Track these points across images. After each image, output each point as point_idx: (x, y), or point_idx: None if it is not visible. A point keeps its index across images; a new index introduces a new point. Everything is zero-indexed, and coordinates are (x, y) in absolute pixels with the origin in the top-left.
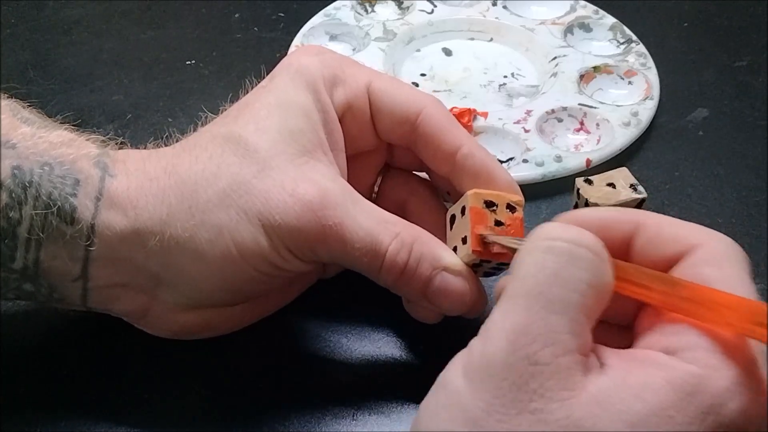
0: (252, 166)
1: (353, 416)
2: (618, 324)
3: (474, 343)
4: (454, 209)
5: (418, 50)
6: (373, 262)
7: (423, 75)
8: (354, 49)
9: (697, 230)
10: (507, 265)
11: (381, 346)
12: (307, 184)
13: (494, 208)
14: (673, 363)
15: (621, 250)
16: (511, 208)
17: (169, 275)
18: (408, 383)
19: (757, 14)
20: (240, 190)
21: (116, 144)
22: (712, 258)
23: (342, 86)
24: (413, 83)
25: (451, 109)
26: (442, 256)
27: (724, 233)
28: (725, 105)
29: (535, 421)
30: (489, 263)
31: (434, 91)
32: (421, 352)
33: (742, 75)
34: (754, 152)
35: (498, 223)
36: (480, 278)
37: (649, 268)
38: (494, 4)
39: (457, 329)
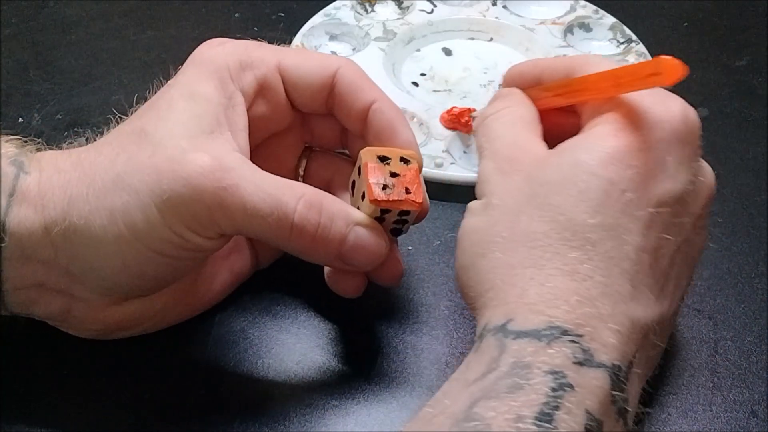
0: (147, 149)
1: (353, 414)
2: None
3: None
4: (353, 175)
5: (418, 50)
6: (282, 225)
7: (423, 75)
8: (354, 49)
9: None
10: (408, 213)
11: (382, 342)
12: (197, 152)
13: (388, 161)
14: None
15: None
16: (404, 161)
17: (76, 268)
18: (409, 381)
19: (757, 14)
20: (133, 171)
21: (35, 148)
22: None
23: (250, 69)
24: (413, 83)
25: (451, 109)
26: (352, 212)
27: (724, 233)
28: (725, 105)
29: (529, 185)
30: (390, 214)
31: (434, 91)
32: (422, 350)
33: (742, 75)
34: (754, 152)
35: (393, 174)
36: (395, 245)
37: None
38: (494, 4)
39: (458, 327)
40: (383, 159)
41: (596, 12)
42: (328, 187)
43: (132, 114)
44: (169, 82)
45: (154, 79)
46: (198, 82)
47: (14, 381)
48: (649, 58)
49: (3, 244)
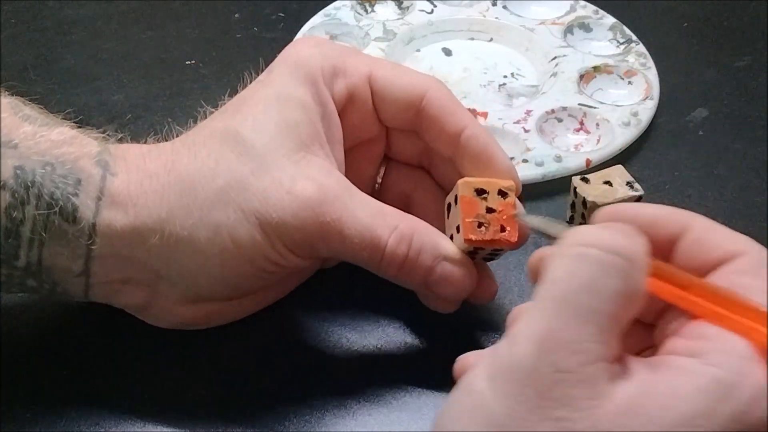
0: (249, 163)
1: (353, 414)
2: (640, 321)
3: (500, 346)
4: (450, 197)
5: (418, 50)
6: (374, 256)
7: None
8: None
9: (741, 239)
10: (503, 250)
11: (381, 342)
12: (304, 181)
13: (485, 195)
14: (701, 368)
15: (664, 249)
16: (502, 194)
17: (169, 272)
18: (409, 380)
19: (757, 14)
20: (237, 188)
21: (116, 139)
22: (752, 268)
23: (342, 77)
24: None
25: None
26: (442, 246)
27: None
28: (725, 105)
29: (559, 430)
30: (484, 250)
31: None
32: (422, 349)
33: (742, 75)
34: (754, 152)
35: (489, 210)
36: (486, 264)
37: (685, 271)
38: (494, 4)
39: (459, 325)
40: (480, 192)
41: (596, 12)
42: (406, 201)
43: (220, 107)
44: (259, 77)
45: (155, 79)
46: (292, 85)
47: (13, 376)
48: (649, 58)
49: (94, 246)
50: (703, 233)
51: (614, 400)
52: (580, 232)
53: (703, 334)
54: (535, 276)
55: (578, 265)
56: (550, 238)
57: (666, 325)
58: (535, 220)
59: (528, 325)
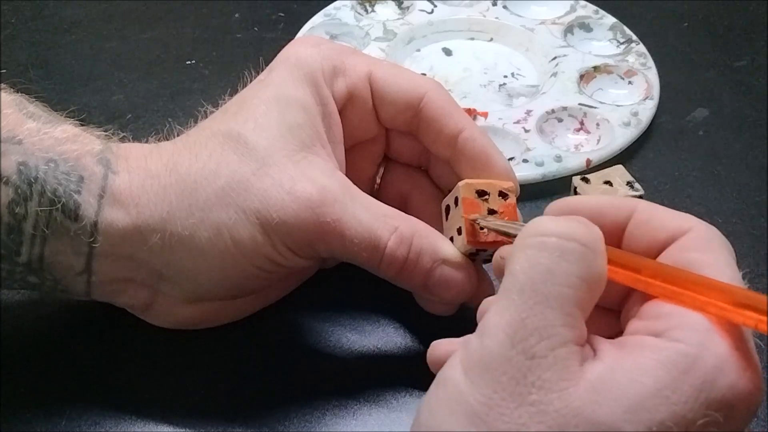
0: (250, 164)
1: (353, 414)
2: (606, 308)
3: (471, 339)
4: (448, 199)
5: (418, 50)
6: (373, 257)
7: (423, 75)
8: None
9: (685, 217)
10: None
11: (381, 342)
12: (305, 182)
13: (486, 197)
14: (663, 344)
15: (614, 236)
16: (503, 195)
17: (170, 271)
18: (409, 380)
19: (757, 14)
20: (238, 189)
21: (119, 138)
22: (698, 243)
23: (342, 76)
24: None
25: None
26: (441, 249)
27: (724, 233)
28: (725, 105)
29: (535, 413)
30: (485, 251)
31: None
32: (422, 349)
33: (742, 75)
34: (754, 152)
35: (491, 212)
36: (483, 267)
37: (637, 254)
38: (494, 4)
39: (458, 324)
40: (481, 194)
41: (596, 12)
42: (404, 202)
43: (220, 107)
44: (259, 77)
45: (155, 79)
46: (292, 86)
47: (13, 376)
48: (649, 58)
49: (95, 244)
50: (648, 215)
51: (585, 379)
52: (538, 222)
53: (661, 313)
54: (499, 273)
55: (539, 254)
56: (511, 238)
57: (629, 310)
58: (495, 224)
59: (497, 316)
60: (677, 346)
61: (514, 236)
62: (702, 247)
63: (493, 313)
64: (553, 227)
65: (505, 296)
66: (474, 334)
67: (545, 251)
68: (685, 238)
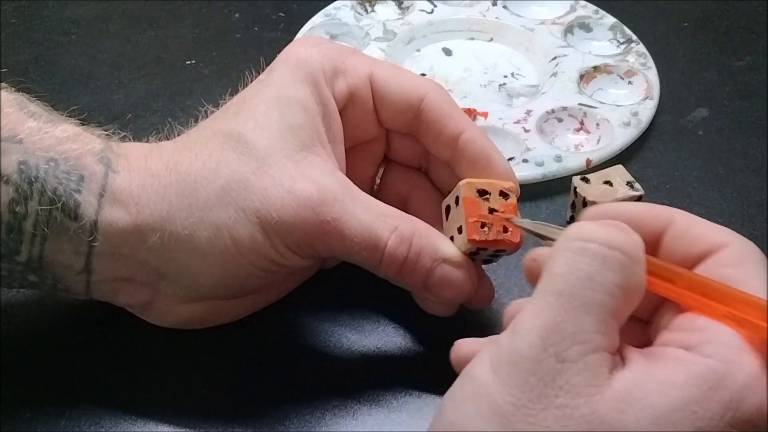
0: (251, 163)
1: (353, 414)
2: (636, 318)
3: (503, 337)
4: (449, 200)
5: (418, 50)
6: (373, 256)
7: (423, 75)
8: None
9: (723, 231)
10: (504, 251)
11: (381, 342)
12: (305, 181)
13: (487, 196)
14: (694, 358)
15: (650, 245)
16: (504, 195)
17: (170, 270)
18: (409, 380)
19: (757, 14)
20: (238, 188)
21: (119, 137)
22: (734, 259)
23: (343, 77)
24: None
25: None
26: (441, 248)
27: None
28: (725, 105)
29: (561, 416)
30: (486, 251)
31: None
32: (422, 349)
33: (742, 75)
34: (754, 152)
35: (492, 211)
36: (483, 269)
37: (674, 264)
38: (494, 4)
39: (459, 325)
40: (482, 193)
41: (596, 12)
42: (404, 202)
43: (221, 107)
44: (259, 77)
45: (155, 79)
46: (293, 85)
47: (14, 376)
48: (649, 58)
49: (95, 243)
50: (686, 227)
51: (613, 387)
52: (580, 227)
53: (694, 327)
54: (530, 276)
55: (579, 259)
56: (544, 240)
57: (660, 320)
58: (530, 224)
59: (531, 316)
60: (708, 361)
61: (549, 239)
62: (737, 263)
63: (528, 313)
64: (596, 233)
65: (542, 298)
66: (505, 332)
67: (586, 257)
68: (721, 253)
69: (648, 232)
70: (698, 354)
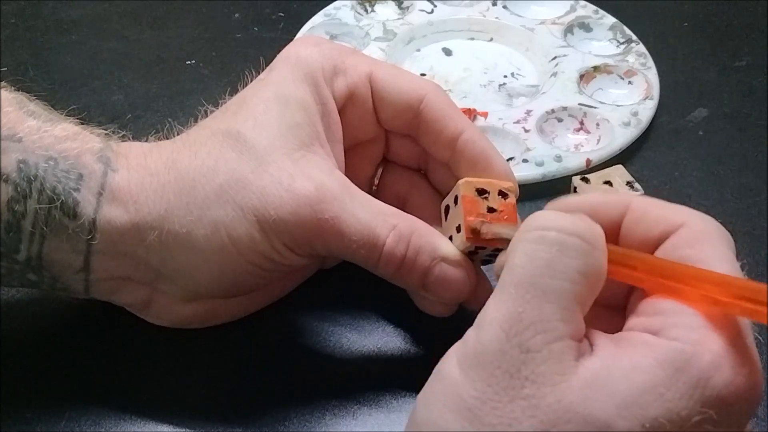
0: (249, 161)
1: (353, 414)
2: (610, 306)
3: (468, 333)
4: (448, 199)
5: (418, 50)
6: (371, 255)
7: (423, 75)
8: None
9: (679, 210)
10: (503, 250)
11: (381, 342)
12: (303, 179)
13: (486, 195)
14: (659, 341)
15: (611, 232)
16: (503, 194)
17: (168, 269)
18: (409, 381)
19: (757, 14)
20: (237, 186)
21: (119, 137)
22: (692, 238)
23: (343, 76)
24: None
25: None
26: (440, 247)
27: None
28: (725, 105)
29: (528, 407)
30: (485, 250)
31: None
32: (422, 349)
33: (742, 75)
34: (754, 152)
35: (491, 210)
36: (481, 268)
37: (634, 250)
38: (494, 4)
39: (459, 324)
40: (481, 192)
41: (596, 12)
42: (402, 203)
43: (221, 106)
44: (259, 77)
45: (155, 79)
46: (292, 85)
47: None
48: (649, 58)
49: (94, 242)
50: (642, 211)
51: (579, 374)
52: (539, 216)
53: (657, 310)
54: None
55: (538, 248)
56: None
57: (629, 306)
58: (494, 227)
59: (492, 309)
60: (673, 344)
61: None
62: (695, 243)
63: (490, 306)
64: (554, 221)
65: (503, 290)
66: (471, 328)
67: (545, 245)
68: (678, 234)
69: (607, 221)
70: (664, 337)
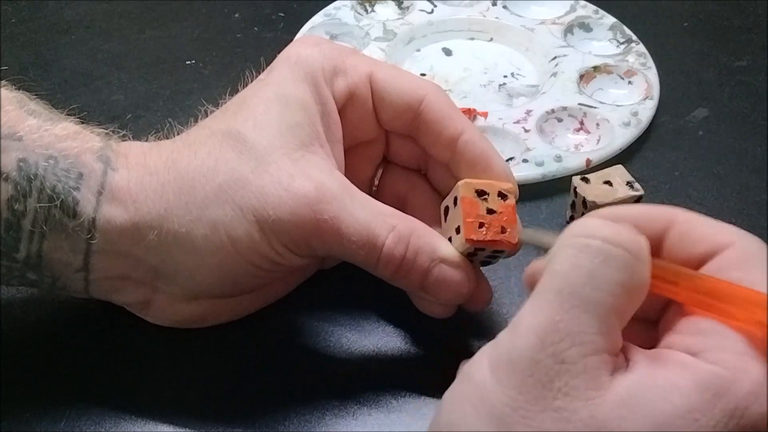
0: (249, 161)
1: (353, 414)
2: (644, 319)
3: (502, 335)
4: (447, 200)
5: (418, 50)
6: (371, 255)
7: (423, 75)
8: None
9: (727, 230)
10: (503, 252)
11: (381, 342)
12: (302, 179)
13: (486, 196)
14: (697, 364)
15: (653, 246)
16: (502, 195)
17: (167, 269)
18: (409, 381)
19: (757, 14)
20: (236, 186)
21: (119, 136)
22: (739, 259)
23: (343, 76)
24: None
25: None
26: (439, 248)
27: None
28: (725, 105)
29: (559, 419)
30: (484, 251)
31: None
32: (422, 349)
33: (742, 75)
34: (754, 152)
35: (490, 211)
36: (482, 270)
37: (677, 265)
38: (494, 4)
39: (459, 325)
40: (481, 193)
41: (596, 12)
42: (402, 204)
43: (221, 106)
44: (260, 77)
45: (155, 79)
46: (292, 85)
47: (13, 375)
48: (649, 58)
49: (93, 241)
50: (688, 228)
51: (614, 391)
52: (584, 223)
53: (698, 330)
54: (531, 286)
55: (581, 256)
56: (543, 249)
57: (666, 321)
58: (527, 233)
59: (530, 315)
60: (712, 368)
61: (547, 248)
62: (743, 265)
63: (527, 311)
64: (600, 229)
65: (542, 296)
66: (504, 331)
67: (588, 253)
68: (725, 255)
69: (649, 235)
70: (703, 360)
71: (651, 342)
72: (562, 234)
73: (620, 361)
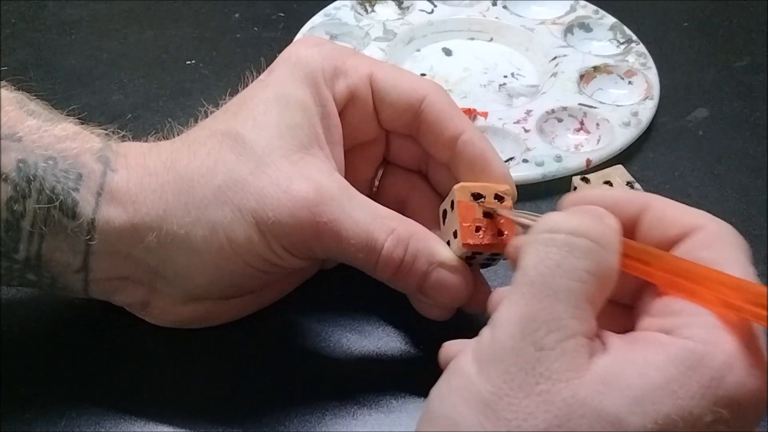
0: (248, 163)
1: (353, 414)
2: (620, 303)
3: (484, 331)
4: (445, 204)
5: (418, 50)
6: (369, 258)
7: (423, 75)
8: (354, 49)
9: (698, 214)
10: (501, 255)
11: (381, 343)
12: (302, 181)
13: (482, 199)
14: (672, 340)
15: (627, 229)
16: (499, 198)
17: (166, 269)
18: (409, 381)
19: (757, 14)
20: (235, 187)
21: (119, 137)
22: (708, 241)
23: (343, 77)
24: None
25: None
26: (438, 252)
27: None
28: (725, 105)
29: (542, 402)
30: (482, 255)
31: None
32: (422, 350)
33: (742, 75)
34: (754, 152)
35: (487, 214)
36: (481, 272)
37: (650, 246)
38: (494, 4)
39: (458, 326)
40: (477, 197)
41: (596, 12)
42: (402, 205)
43: (221, 107)
44: (260, 77)
45: (155, 79)
46: (292, 86)
47: (13, 375)
48: (649, 58)
49: (92, 242)
50: (662, 211)
51: (592, 371)
52: (548, 218)
53: (672, 311)
54: (513, 262)
55: (548, 249)
56: (526, 229)
57: (641, 304)
58: (512, 213)
59: (507, 309)
60: (686, 342)
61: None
62: (712, 246)
63: (505, 306)
64: (563, 223)
65: (516, 290)
66: (486, 326)
67: (554, 246)
68: (694, 236)
69: (625, 217)
70: (677, 336)
71: (628, 328)
72: (530, 230)
73: (597, 344)
